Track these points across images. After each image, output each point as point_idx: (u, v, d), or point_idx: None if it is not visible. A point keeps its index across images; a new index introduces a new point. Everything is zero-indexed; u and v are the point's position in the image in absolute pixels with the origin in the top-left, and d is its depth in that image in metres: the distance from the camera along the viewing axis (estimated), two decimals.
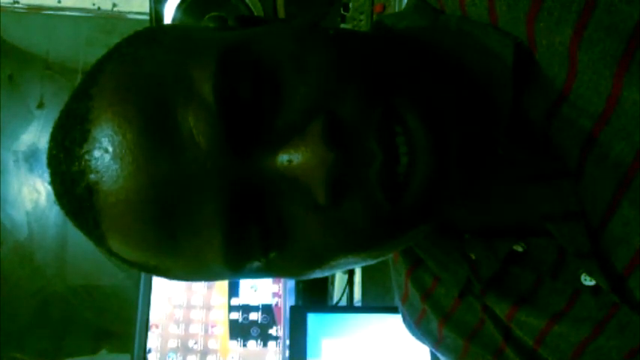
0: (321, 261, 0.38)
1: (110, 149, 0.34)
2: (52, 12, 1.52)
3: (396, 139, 0.35)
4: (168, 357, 1.17)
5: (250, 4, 1.07)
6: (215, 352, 1.18)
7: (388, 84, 0.36)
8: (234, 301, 1.20)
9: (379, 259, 0.40)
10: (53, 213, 1.58)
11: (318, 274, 0.40)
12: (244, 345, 1.18)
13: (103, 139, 0.34)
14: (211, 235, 0.35)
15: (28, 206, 1.59)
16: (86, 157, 0.34)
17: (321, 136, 0.33)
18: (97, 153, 0.34)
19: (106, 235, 0.36)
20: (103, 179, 0.34)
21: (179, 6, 1.08)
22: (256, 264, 0.37)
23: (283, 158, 0.34)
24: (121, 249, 0.37)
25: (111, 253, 0.38)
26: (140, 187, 0.33)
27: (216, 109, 0.33)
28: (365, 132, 0.34)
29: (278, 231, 0.36)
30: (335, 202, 0.34)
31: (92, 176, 0.34)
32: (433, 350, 0.54)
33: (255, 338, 1.19)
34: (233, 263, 0.36)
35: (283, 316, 1.19)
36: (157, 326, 1.18)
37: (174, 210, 0.34)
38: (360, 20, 1.23)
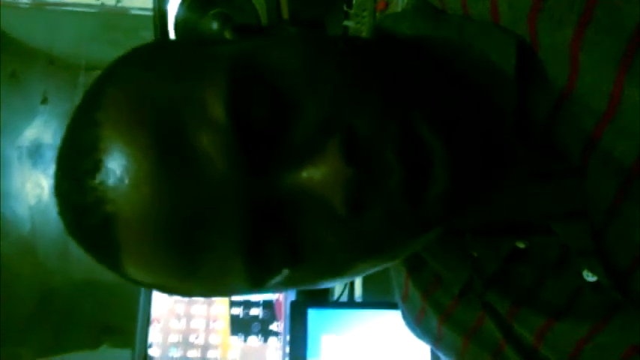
0: (342, 270, 0.38)
1: (126, 180, 0.33)
2: (55, 7, 1.52)
3: (419, 151, 0.34)
4: (170, 351, 1.18)
5: (254, 1, 1.07)
6: (216, 347, 1.18)
7: (403, 96, 0.36)
8: (235, 297, 1.21)
9: (393, 262, 0.41)
10: (56, 208, 1.58)
11: (337, 282, 0.41)
12: (245, 340, 1.19)
13: (117, 170, 0.33)
14: (233, 256, 0.35)
15: (31, 201, 1.59)
16: (101, 188, 0.34)
17: (340, 153, 0.33)
18: (112, 184, 0.33)
19: (123, 263, 0.36)
20: (121, 210, 0.34)
21: (182, 2, 1.08)
22: (278, 279, 0.37)
23: (302, 175, 0.34)
24: (140, 275, 0.37)
25: (126, 278, 0.38)
26: (159, 215, 0.33)
27: (231, 131, 0.33)
28: (383, 145, 0.34)
29: (299, 245, 0.36)
30: (356, 214, 0.34)
31: (109, 207, 0.34)
32: (433, 348, 0.54)
33: (256, 334, 1.19)
34: (256, 281, 0.36)
35: (284, 311, 1.20)
36: (158, 321, 1.18)
37: (195, 235, 0.34)
38: (363, 17, 1.23)
